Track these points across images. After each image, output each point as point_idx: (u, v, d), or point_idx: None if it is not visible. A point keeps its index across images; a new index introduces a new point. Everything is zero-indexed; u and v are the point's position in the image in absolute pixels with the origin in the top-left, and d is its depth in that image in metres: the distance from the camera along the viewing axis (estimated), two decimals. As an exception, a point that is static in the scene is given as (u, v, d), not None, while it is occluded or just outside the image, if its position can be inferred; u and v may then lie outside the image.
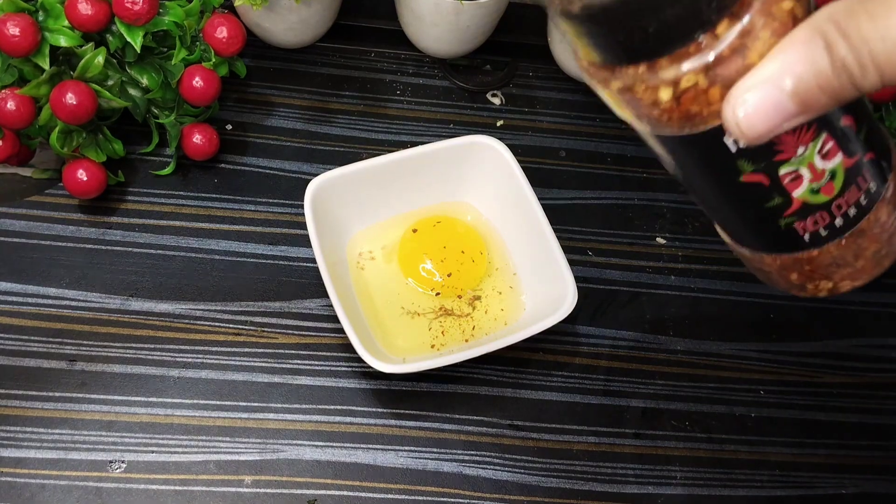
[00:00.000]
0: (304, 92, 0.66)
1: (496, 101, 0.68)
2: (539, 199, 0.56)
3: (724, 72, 0.25)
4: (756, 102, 0.24)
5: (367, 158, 0.57)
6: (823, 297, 0.31)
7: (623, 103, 0.27)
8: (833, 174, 0.27)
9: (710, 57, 0.25)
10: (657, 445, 0.55)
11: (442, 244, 0.58)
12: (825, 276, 0.31)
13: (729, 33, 0.24)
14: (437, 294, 0.57)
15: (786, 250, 0.30)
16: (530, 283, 0.58)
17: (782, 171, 0.27)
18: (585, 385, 0.57)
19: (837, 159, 0.27)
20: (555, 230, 0.55)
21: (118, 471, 0.50)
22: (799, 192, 0.27)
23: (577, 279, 0.54)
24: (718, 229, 0.34)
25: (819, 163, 0.27)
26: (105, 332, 0.54)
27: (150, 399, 0.52)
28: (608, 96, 0.28)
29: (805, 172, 0.27)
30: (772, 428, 0.57)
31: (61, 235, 0.57)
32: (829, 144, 0.27)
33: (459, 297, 0.57)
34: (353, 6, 0.69)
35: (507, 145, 0.58)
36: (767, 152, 0.26)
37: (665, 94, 0.26)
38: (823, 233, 0.29)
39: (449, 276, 0.57)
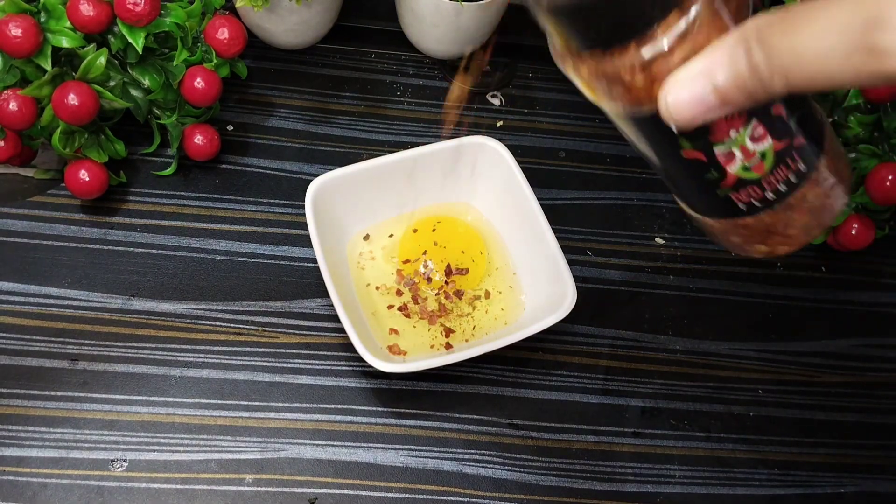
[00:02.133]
0: (304, 93, 0.66)
1: (496, 101, 0.68)
2: (539, 199, 0.56)
3: (665, 62, 0.28)
4: (683, 93, 0.27)
5: (367, 159, 0.57)
6: (759, 258, 0.34)
7: (587, 86, 0.31)
8: (763, 155, 0.30)
9: (655, 49, 0.27)
10: (656, 444, 0.56)
11: (442, 244, 0.58)
12: (761, 241, 0.34)
13: (672, 30, 0.27)
14: (437, 294, 0.57)
15: (725, 216, 0.33)
16: (530, 283, 0.58)
17: (717, 149, 0.30)
18: (585, 384, 0.57)
19: (767, 143, 0.30)
20: (554, 230, 0.55)
21: (120, 470, 0.50)
22: (733, 169, 0.31)
23: (577, 279, 0.54)
24: (673, 195, 0.36)
25: (750, 145, 0.30)
26: (107, 332, 0.54)
27: (152, 398, 0.52)
28: (577, 80, 0.31)
29: (737, 152, 0.30)
30: (770, 427, 0.57)
31: (63, 235, 0.57)
32: (760, 130, 0.30)
33: (459, 296, 0.57)
34: (353, 7, 0.69)
35: (507, 146, 0.58)
36: (703, 134, 0.30)
37: (616, 83, 0.29)
38: (757, 204, 0.32)
39: (449, 276, 0.57)
